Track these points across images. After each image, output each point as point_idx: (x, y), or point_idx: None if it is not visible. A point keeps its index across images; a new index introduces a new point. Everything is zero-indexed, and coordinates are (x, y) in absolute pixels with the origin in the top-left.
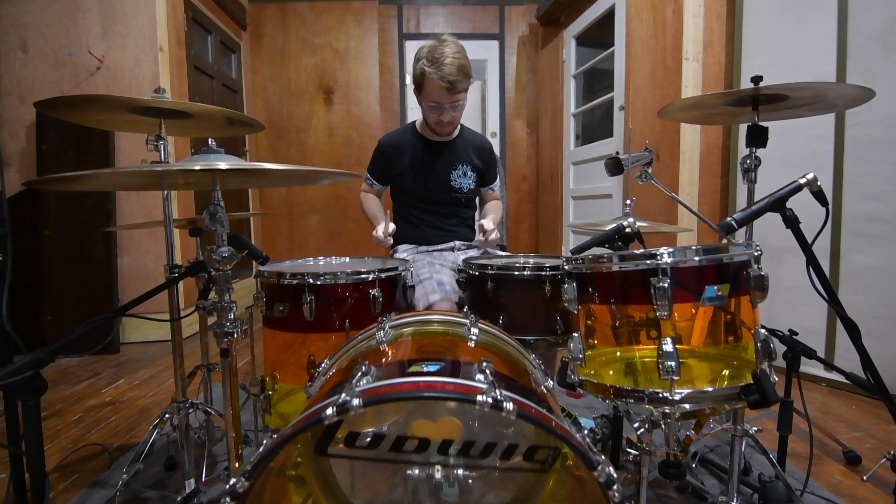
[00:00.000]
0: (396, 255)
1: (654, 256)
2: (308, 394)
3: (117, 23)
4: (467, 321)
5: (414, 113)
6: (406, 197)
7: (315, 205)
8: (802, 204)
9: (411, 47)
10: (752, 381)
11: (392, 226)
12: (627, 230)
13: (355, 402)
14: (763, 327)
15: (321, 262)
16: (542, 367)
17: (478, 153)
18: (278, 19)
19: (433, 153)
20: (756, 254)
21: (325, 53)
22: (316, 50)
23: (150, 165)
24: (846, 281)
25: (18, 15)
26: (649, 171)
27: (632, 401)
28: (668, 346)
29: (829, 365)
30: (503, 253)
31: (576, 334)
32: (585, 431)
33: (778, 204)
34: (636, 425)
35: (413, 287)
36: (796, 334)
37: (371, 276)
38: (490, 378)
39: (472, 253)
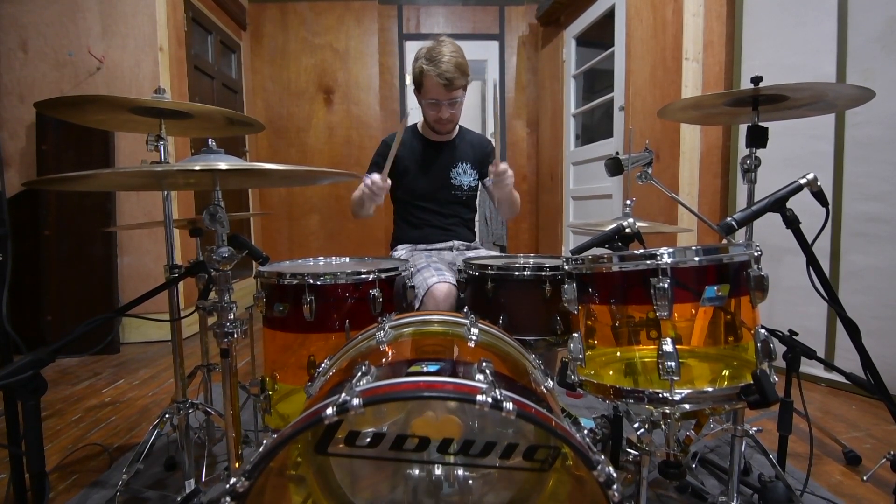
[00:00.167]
0: (395, 256)
1: (654, 257)
2: (308, 394)
3: (117, 23)
4: (467, 321)
5: (414, 114)
6: (406, 196)
7: (315, 205)
8: (802, 204)
9: (411, 47)
10: (752, 382)
11: (388, 180)
12: (627, 230)
13: (355, 401)
14: (763, 327)
15: (321, 263)
16: (542, 367)
17: (477, 149)
18: (278, 19)
19: (433, 151)
20: (756, 254)
21: (325, 53)
22: (316, 50)
23: (150, 166)
24: (846, 281)
25: (18, 15)
26: (649, 171)
27: (632, 401)
28: (668, 347)
29: (829, 365)
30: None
31: (576, 334)
32: (585, 431)
33: (778, 204)
34: (636, 425)
35: (413, 287)
36: (796, 334)
37: (371, 277)
38: (490, 378)
39: (471, 254)
